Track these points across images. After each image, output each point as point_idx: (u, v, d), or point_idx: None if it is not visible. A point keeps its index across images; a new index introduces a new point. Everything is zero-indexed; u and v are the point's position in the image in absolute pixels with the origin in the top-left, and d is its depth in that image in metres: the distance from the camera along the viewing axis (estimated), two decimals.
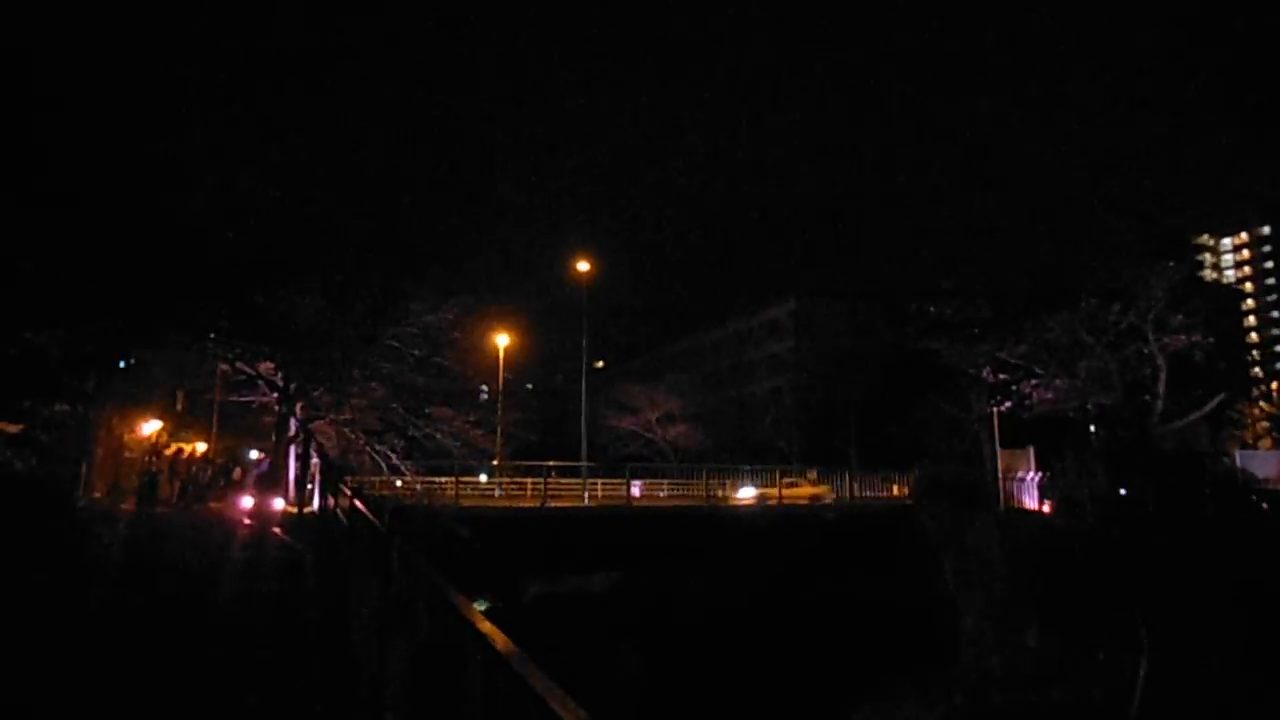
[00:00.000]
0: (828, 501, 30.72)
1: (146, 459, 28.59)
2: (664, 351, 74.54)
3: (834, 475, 32.96)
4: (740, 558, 27.95)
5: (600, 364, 70.28)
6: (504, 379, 29.53)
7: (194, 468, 24.04)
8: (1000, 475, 27.10)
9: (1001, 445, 27.46)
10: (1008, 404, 27.80)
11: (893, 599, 26.83)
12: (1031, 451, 26.22)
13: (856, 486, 31.78)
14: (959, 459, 33.84)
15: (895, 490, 34.39)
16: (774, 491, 30.79)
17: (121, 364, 32.54)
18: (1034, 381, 27.10)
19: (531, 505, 26.51)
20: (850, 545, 29.31)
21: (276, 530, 16.86)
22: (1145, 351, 26.07)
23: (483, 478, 28.07)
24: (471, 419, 22.58)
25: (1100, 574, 23.18)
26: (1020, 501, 26.63)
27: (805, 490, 31.66)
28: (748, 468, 34.72)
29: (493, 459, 23.85)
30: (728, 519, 28.70)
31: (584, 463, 30.84)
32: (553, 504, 26.77)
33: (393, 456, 21.27)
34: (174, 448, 27.40)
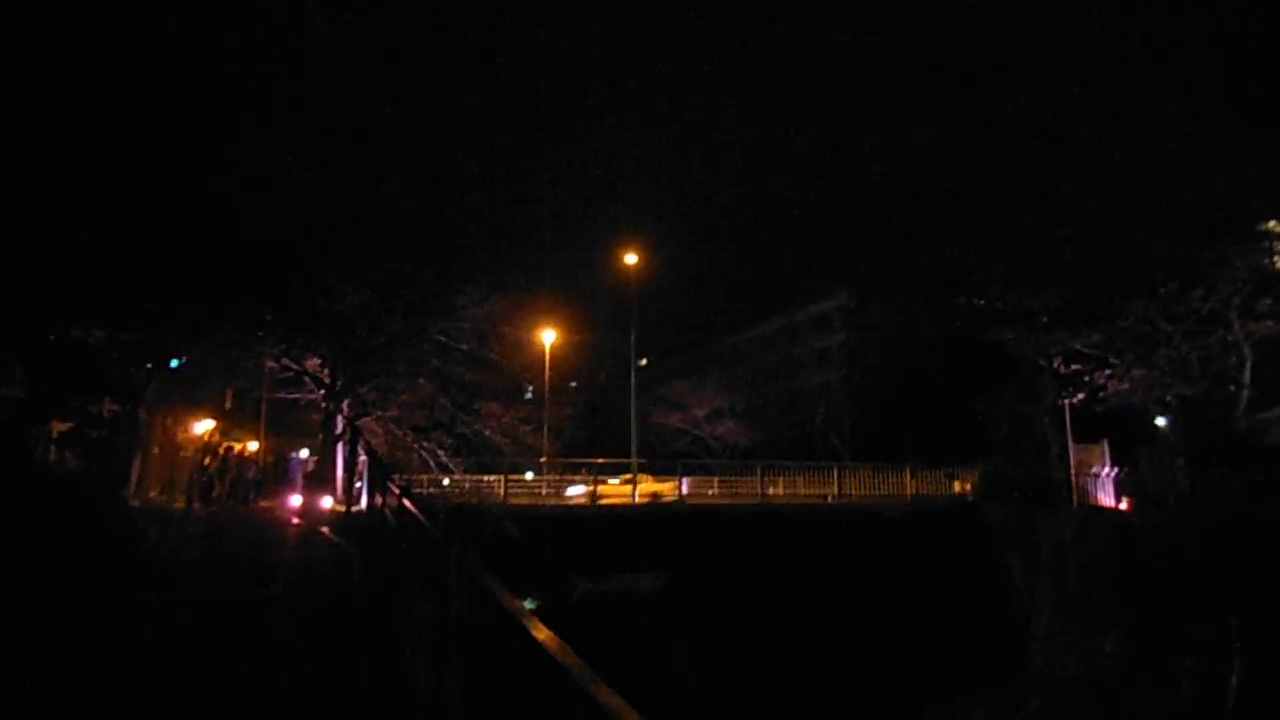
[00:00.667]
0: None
1: (199, 458, 28.50)
2: (710, 347, 73.57)
3: (889, 472, 31.82)
4: (793, 556, 27.06)
5: (643, 362, 69.60)
6: (549, 375, 28.90)
7: (243, 466, 23.80)
8: (1073, 470, 25.74)
9: (1073, 439, 26.12)
10: (1080, 396, 26.42)
11: (956, 600, 25.75)
12: (1105, 445, 24.83)
13: (914, 483, 30.59)
14: (1025, 454, 32.41)
15: (956, 487, 33.12)
16: (822, 490, 29.89)
17: (174, 363, 32.70)
18: (1108, 372, 25.71)
19: (580, 504, 25.91)
20: (910, 544, 28.22)
21: (324, 530, 16.41)
22: (1229, 339, 24.51)
23: (529, 475, 27.60)
24: (521, 415, 22.02)
25: (1186, 576, 21.81)
26: (1095, 498, 25.26)
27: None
28: (800, 465, 33.75)
29: (541, 456, 23.25)
30: (781, 517, 27.79)
31: (634, 459, 30.12)
32: (603, 502, 26.16)
33: (441, 454, 20.76)
34: (225, 446, 27.28)
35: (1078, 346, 25.90)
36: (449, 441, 21.05)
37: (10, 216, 13.89)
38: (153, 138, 14.43)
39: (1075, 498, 25.80)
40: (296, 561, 12.18)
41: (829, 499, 28.68)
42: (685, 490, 32.45)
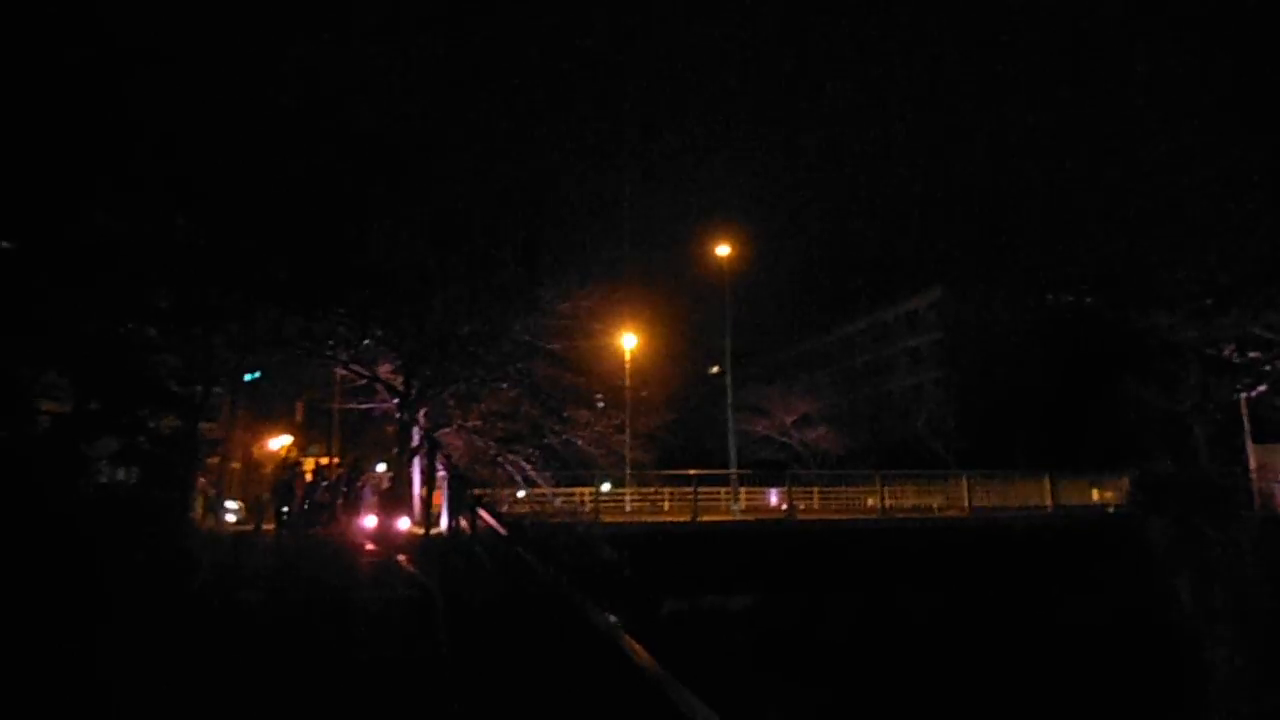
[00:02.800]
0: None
1: (275, 475, 26.84)
2: (796, 349, 70.44)
3: (1020, 480, 28.35)
4: (917, 576, 23.97)
5: (714, 369, 66.82)
6: (630, 379, 26.23)
7: (315, 485, 21.89)
8: (1253, 475, 22.03)
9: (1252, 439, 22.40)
10: (1262, 388, 22.66)
11: (1110, 628, 22.26)
12: None
13: (1051, 493, 27.04)
14: (1179, 456, 28.55)
15: (1096, 495, 29.44)
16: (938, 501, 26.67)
17: (249, 376, 31.32)
18: None
19: (675, 519, 23.33)
20: (1051, 562, 24.79)
21: (401, 559, 14.16)
22: None
23: (606, 487, 25.16)
24: (615, 421, 19.60)
25: None
26: None
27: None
28: (915, 473, 30.59)
29: (636, 466, 20.73)
30: (906, 533, 24.69)
31: (734, 470, 27.42)
32: (704, 517, 23.52)
33: (528, 467, 18.45)
34: (296, 462, 25.56)
35: (1257, 330, 22.18)
36: (535, 453, 18.72)
37: (43, 197, 11.98)
38: (205, 93, 12.37)
39: (1257, 506, 22.07)
40: (369, 604, 9.84)
41: (961, 511, 25.42)
42: (775, 501, 29.59)
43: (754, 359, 73.38)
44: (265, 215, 11.91)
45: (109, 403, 16.04)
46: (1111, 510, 27.50)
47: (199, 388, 17.04)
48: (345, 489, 20.17)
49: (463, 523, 13.21)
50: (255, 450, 36.31)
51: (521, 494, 20.56)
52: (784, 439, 52.78)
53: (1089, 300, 48.00)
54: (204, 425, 30.69)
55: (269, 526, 21.62)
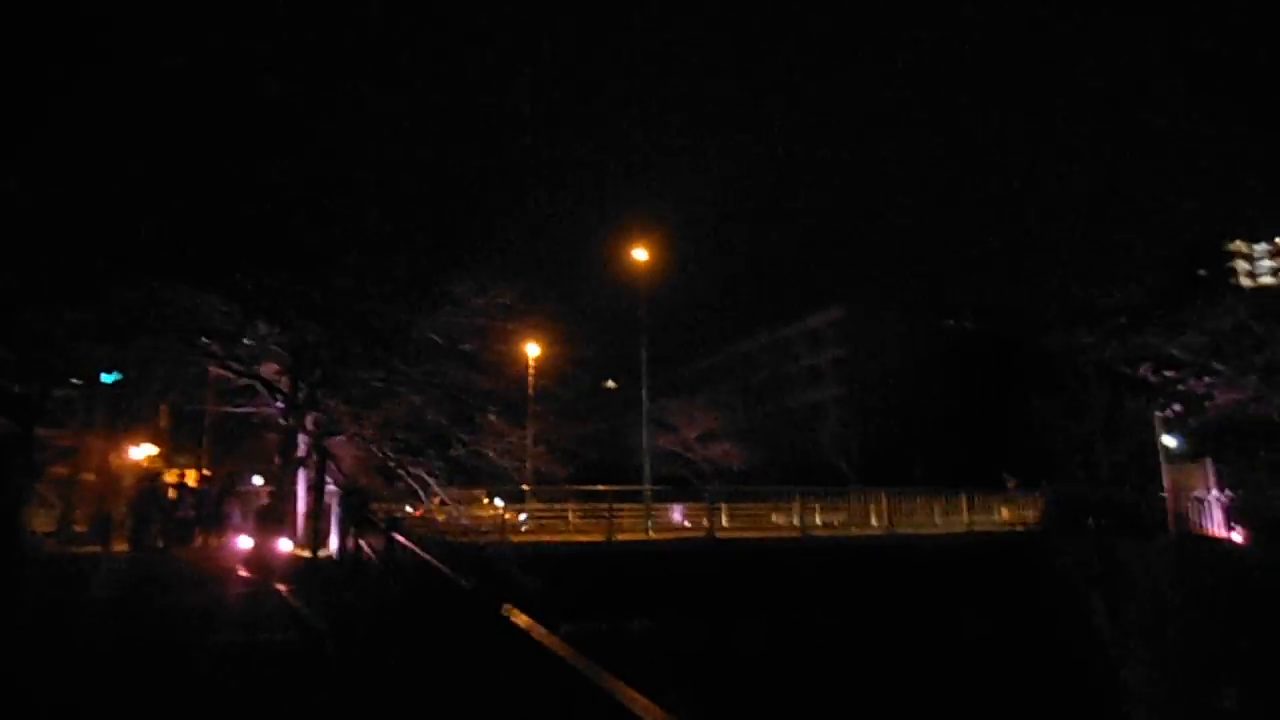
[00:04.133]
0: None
1: (134, 488, 23.68)
2: (699, 363, 69.77)
3: (930, 497, 27.98)
4: (827, 594, 23.06)
5: (610, 383, 65.41)
6: (534, 389, 24.24)
7: (180, 500, 19.14)
8: (1167, 495, 22.06)
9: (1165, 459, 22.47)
10: (1177, 408, 22.84)
11: (1022, 644, 21.84)
12: (1209, 465, 21.20)
13: (966, 510, 26.70)
14: (1091, 476, 28.80)
15: (1006, 514, 29.35)
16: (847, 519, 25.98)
17: (108, 378, 27.78)
18: (1207, 380, 22.19)
19: (587, 539, 21.67)
20: (955, 581, 24.31)
21: (281, 588, 11.95)
22: None
23: (499, 502, 23.25)
24: (532, 431, 17.69)
25: None
26: (1198, 527, 21.57)
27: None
28: (828, 490, 29.86)
29: (549, 480, 18.89)
30: (823, 552, 23.73)
31: (648, 487, 25.85)
32: (619, 536, 21.91)
33: (432, 481, 16.35)
34: (159, 474, 22.53)
35: (1174, 351, 22.34)
36: (440, 465, 16.66)
37: None
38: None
39: (1171, 526, 22.10)
40: (230, 653, 7.75)
41: (880, 529, 24.65)
42: (678, 518, 28.30)
43: (656, 372, 72.37)
44: (114, 167, 9.63)
45: None
46: (1022, 529, 27.35)
47: (35, 385, 14.33)
48: (214, 505, 17.60)
49: (356, 543, 11.18)
50: (114, 461, 32.50)
51: (410, 509, 18.44)
52: (687, 454, 51.84)
53: (992, 322, 49.23)
54: (44, 431, 27.09)
55: (122, 547, 18.72)
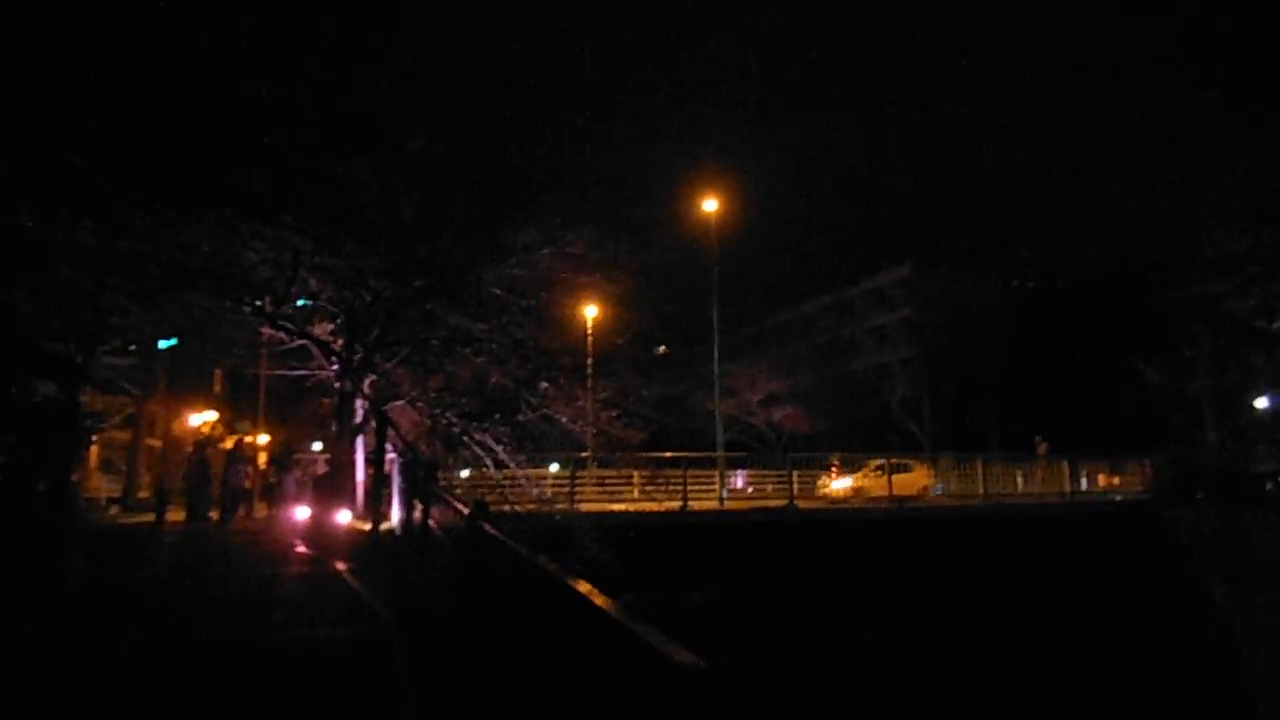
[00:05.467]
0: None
1: (191, 455, 22.99)
2: (760, 326, 67.80)
3: (1023, 464, 26.03)
4: (920, 569, 21.46)
5: (661, 349, 63.63)
6: (606, 347, 22.66)
7: (235, 466, 18.26)
8: None
9: None
10: None
11: (1132, 623, 19.99)
12: None
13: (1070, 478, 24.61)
14: (1188, 440, 26.52)
15: (1102, 481, 27.28)
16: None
17: (164, 343, 27.20)
18: None
19: (658, 509, 20.36)
20: (1064, 552, 22.50)
21: (340, 566, 10.81)
22: None
23: (554, 468, 21.97)
24: (602, 396, 16.35)
25: None
26: None
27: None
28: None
29: (622, 447, 17.53)
30: (905, 522, 22.09)
31: (721, 453, 24.42)
32: (693, 506, 20.59)
33: (499, 448, 15.11)
34: (211, 440, 21.74)
35: None
36: (506, 432, 15.40)
37: None
38: None
39: None
40: (283, 655, 6.50)
41: (977, 498, 22.85)
42: (742, 486, 26.73)
43: (721, 335, 70.53)
44: (148, 94, 8.31)
45: None
46: (1143, 499, 25.16)
47: (76, 347, 13.37)
48: (270, 474, 16.63)
49: (422, 514, 9.94)
50: (175, 427, 32.21)
51: (465, 474, 17.24)
52: (749, 419, 50.28)
53: (1073, 278, 46.41)
54: (106, 398, 26.67)
55: (177, 516, 17.95)
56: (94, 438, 24.39)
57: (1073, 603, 21.04)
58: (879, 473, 23.80)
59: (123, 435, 31.69)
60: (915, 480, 24.32)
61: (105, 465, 33.08)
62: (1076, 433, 31.69)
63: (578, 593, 3.07)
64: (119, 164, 8.47)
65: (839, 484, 24.53)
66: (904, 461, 25.71)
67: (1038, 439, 26.87)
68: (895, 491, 22.65)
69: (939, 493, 24.08)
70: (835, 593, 21.01)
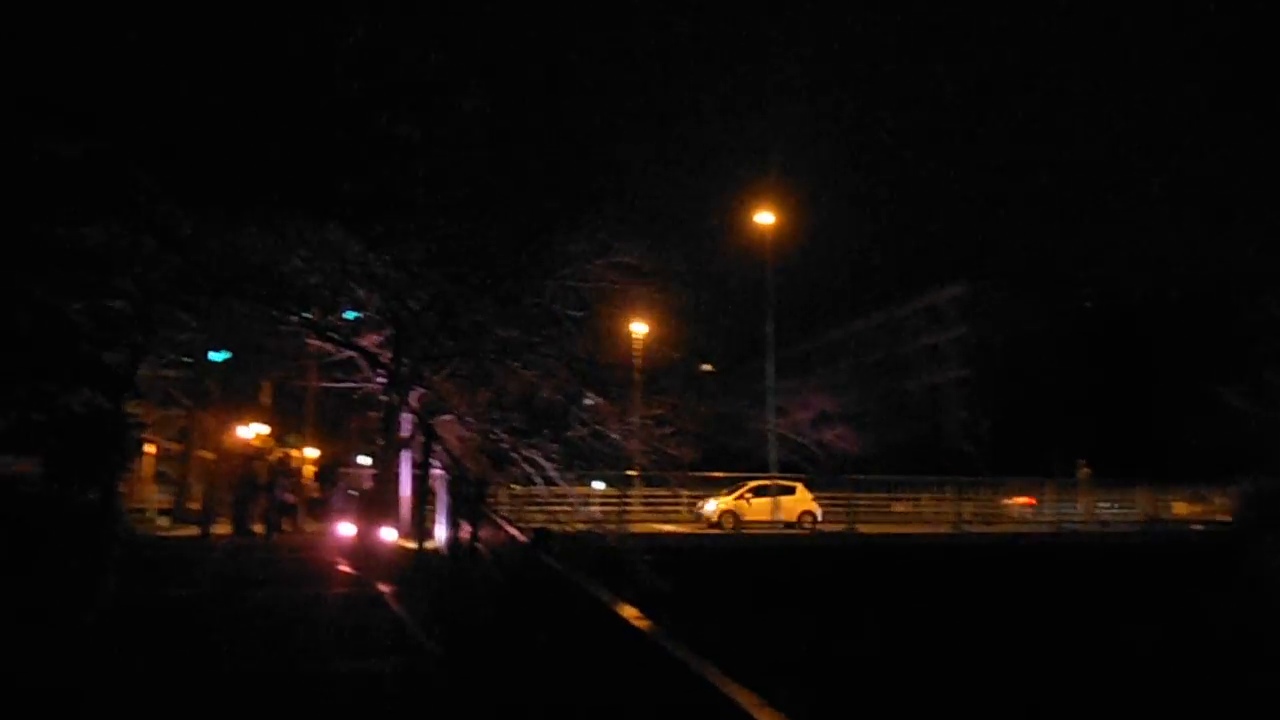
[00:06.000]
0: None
1: (239, 469, 22.81)
2: (809, 344, 66.61)
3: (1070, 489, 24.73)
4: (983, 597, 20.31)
5: (706, 366, 62.76)
6: (659, 363, 21.84)
7: (279, 480, 17.98)
8: None
9: None
10: None
11: (1213, 661, 18.61)
12: None
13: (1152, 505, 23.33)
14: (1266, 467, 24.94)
15: (1182, 509, 25.87)
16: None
17: (216, 356, 27.26)
18: None
19: (712, 533, 19.55)
20: (1138, 584, 21.22)
21: (384, 589, 10.27)
22: None
23: (598, 485, 21.16)
24: (656, 412, 15.68)
25: None
26: None
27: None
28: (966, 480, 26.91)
29: (678, 466, 16.84)
30: (971, 548, 20.99)
31: (775, 476, 23.52)
32: (748, 531, 19.75)
33: (548, 466, 14.54)
34: (276, 454, 21.52)
35: None
36: (556, 448, 14.82)
37: None
38: None
39: None
40: (321, 694, 5.91)
41: (1049, 525, 21.67)
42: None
43: (759, 356, 69.56)
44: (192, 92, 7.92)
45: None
46: (1202, 528, 23.84)
47: (121, 356, 13.03)
48: (315, 490, 16.26)
49: (469, 533, 9.37)
50: (225, 440, 32.30)
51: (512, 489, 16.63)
52: (799, 438, 49.23)
53: (1136, 297, 44.70)
54: (159, 409, 26.76)
55: (223, 530, 17.65)
56: (147, 449, 24.34)
57: (1150, 636, 19.79)
58: (756, 495, 22.30)
59: (177, 447, 31.89)
60: (797, 505, 22.64)
61: (159, 477, 33.35)
62: (1142, 458, 30.20)
63: (676, 659, 2.40)
64: (165, 161, 8.09)
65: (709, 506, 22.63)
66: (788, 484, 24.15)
67: (1079, 462, 25.67)
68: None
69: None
70: (894, 622, 20.01)
